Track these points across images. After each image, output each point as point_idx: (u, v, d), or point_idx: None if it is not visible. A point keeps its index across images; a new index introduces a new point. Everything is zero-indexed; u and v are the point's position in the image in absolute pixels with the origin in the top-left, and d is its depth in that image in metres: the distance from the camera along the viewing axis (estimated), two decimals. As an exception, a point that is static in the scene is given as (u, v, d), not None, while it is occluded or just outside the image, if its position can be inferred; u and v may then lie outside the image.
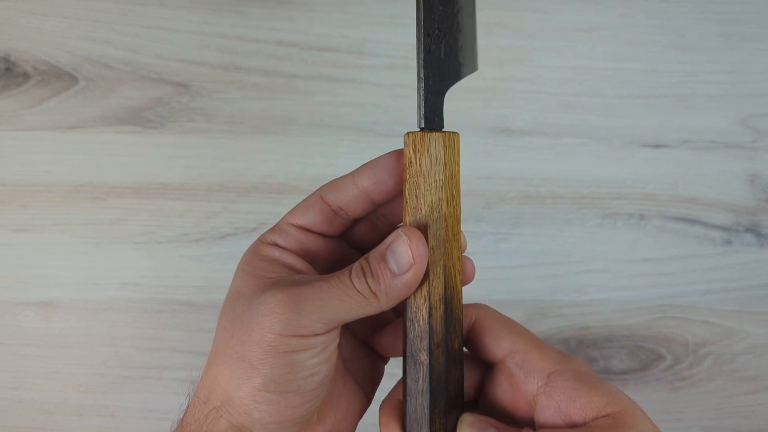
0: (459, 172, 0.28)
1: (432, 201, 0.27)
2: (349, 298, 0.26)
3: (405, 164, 0.28)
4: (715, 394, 0.50)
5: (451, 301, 0.27)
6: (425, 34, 0.28)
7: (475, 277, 0.50)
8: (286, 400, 0.27)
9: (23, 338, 0.48)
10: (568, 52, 0.52)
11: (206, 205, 0.50)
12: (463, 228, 0.45)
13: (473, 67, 0.29)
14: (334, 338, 0.27)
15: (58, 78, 0.50)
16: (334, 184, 0.30)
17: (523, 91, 0.52)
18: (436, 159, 0.27)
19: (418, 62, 0.28)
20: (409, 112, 0.51)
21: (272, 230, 0.30)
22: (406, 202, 0.28)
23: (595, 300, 0.50)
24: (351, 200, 0.30)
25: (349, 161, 0.50)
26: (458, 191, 0.28)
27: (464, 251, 0.30)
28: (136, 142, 0.50)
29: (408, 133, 0.28)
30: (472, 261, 0.31)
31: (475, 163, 0.51)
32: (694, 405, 0.49)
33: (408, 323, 0.28)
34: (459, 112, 0.51)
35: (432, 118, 0.28)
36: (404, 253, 0.26)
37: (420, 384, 0.27)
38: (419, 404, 0.27)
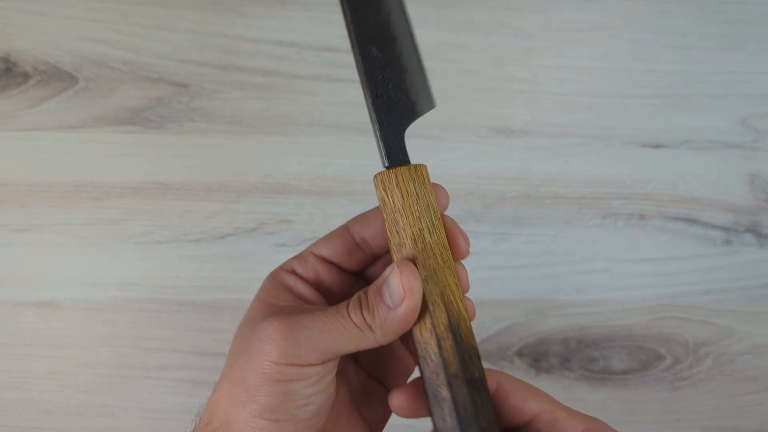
0: (435, 201, 0.28)
1: (413, 233, 0.27)
2: (345, 330, 0.26)
3: (380, 205, 0.28)
4: (715, 394, 0.50)
5: (457, 328, 0.27)
6: (368, 80, 0.28)
7: (476, 277, 0.50)
8: (281, 428, 0.27)
9: (23, 338, 0.48)
10: (568, 52, 0.52)
11: (206, 205, 0.50)
12: (463, 228, 0.45)
13: (430, 104, 0.29)
14: (330, 369, 0.27)
15: (58, 78, 0.50)
16: (362, 215, 0.30)
17: (523, 91, 0.52)
18: (407, 192, 0.27)
19: (367, 106, 0.28)
20: (409, 112, 0.51)
21: (295, 257, 0.31)
22: (390, 240, 0.28)
23: (595, 300, 0.50)
24: (375, 232, 0.30)
25: (349, 161, 0.50)
26: (438, 219, 0.28)
27: (465, 256, 0.30)
28: (136, 142, 0.50)
29: (376, 175, 0.28)
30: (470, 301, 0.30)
31: (475, 163, 0.51)
32: (694, 405, 0.49)
33: (421, 362, 0.27)
34: (459, 112, 0.51)
35: (395, 156, 0.28)
36: (396, 286, 0.26)
37: (448, 422, 0.26)
38: None
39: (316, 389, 0.27)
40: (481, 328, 0.49)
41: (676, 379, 0.50)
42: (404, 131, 0.28)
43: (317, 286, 0.30)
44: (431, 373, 0.27)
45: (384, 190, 0.27)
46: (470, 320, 0.28)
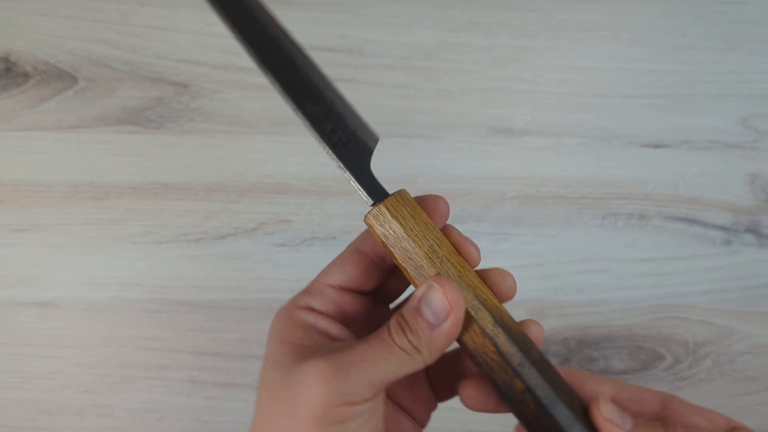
0: (427, 216, 0.28)
1: (425, 253, 0.27)
2: (393, 357, 0.26)
3: (382, 243, 0.28)
4: (715, 394, 0.50)
5: (502, 321, 0.27)
6: (320, 134, 0.29)
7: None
8: None
9: (23, 338, 0.48)
10: (568, 52, 0.52)
11: (206, 205, 0.50)
12: (463, 228, 0.45)
13: (375, 138, 0.30)
14: (381, 402, 0.27)
15: (58, 78, 0.50)
16: (367, 232, 0.29)
17: (523, 91, 0.52)
18: (404, 218, 0.27)
19: (331, 158, 0.29)
20: (409, 112, 0.51)
21: (306, 292, 0.29)
22: (406, 270, 0.28)
23: (595, 300, 0.50)
24: None
25: (349, 161, 0.50)
26: (438, 231, 0.28)
27: (478, 264, 0.29)
28: (136, 142, 0.50)
29: (366, 215, 0.28)
30: (510, 275, 0.30)
31: (475, 163, 0.51)
32: (694, 405, 0.49)
33: (484, 368, 0.27)
34: (459, 112, 0.51)
35: (375, 191, 0.28)
36: (440, 302, 0.26)
37: (533, 408, 0.26)
38: (549, 427, 0.26)
39: (371, 426, 0.26)
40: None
41: (676, 379, 0.50)
42: (369, 168, 0.29)
43: (340, 317, 0.29)
44: (499, 371, 0.27)
45: (381, 225, 0.27)
46: (512, 295, 0.29)
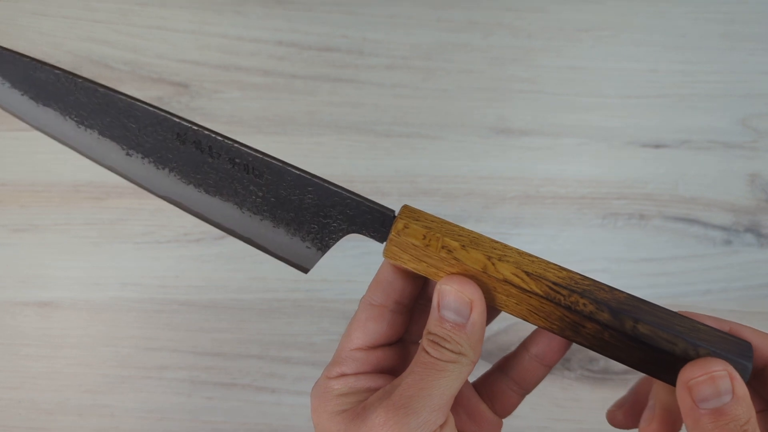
0: (435, 216, 0.27)
1: (466, 230, 0.27)
2: (443, 372, 0.25)
3: (423, 239, 0.27)
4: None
5: (572, 282, 0.26)
6: (310, 226, 0.28)
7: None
8: None
9: (23, 338, 0.48)
10: (568, 52, 0.52)
11: (206, 205, 0.50)
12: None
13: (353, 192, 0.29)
14: (453, 425, 0.26)
15: (58, 78, 0.50)
16: (375, 283, 0.29)
17: (523, 91, 0.52)
18: (419, 234, 0.26)
19: (342, 233, 0.28)
20: (409, 112, 0.51)
21: (335, 363, 0.28)
22: (462, 247, 0.27)
23: (595, 300, 0.50)
24: (402, 287, 0.28)
25: (349, 161, 0.50)
26: (450, 224, 0.27)
27: None
28: (136, 142, 0.50)
29: (384, 252, 0.27)
30: None
31: (475, 163, 0.51)
32: (694, 405, 0.49)
33: (571, 330, 0.26)
34: (459, 112, 0.51)
35: (379, 226, 0.27)
36: (458, 298, 0.25)
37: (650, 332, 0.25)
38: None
39: None
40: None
41: (676, 379, 0.50)
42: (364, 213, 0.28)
43: (377, 372, 0.28)
44: (610, 339, 0.26)
45: (416, 219, 0.27)
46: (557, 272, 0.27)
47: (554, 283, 0.26)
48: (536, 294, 0.26)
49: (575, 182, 0.51)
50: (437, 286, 0.26)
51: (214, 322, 0.49)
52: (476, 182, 0.51)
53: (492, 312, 0.30)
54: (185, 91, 0.50)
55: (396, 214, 0.27)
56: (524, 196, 0.51)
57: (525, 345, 0.31)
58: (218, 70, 0.51)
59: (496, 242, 0.27)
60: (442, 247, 0.26)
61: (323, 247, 0.29)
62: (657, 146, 0.52)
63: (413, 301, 0.29)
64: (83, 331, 0.48)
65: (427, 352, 0.26)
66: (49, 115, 0.28)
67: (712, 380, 0.23)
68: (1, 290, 0.49)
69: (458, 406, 0.30)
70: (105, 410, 0.48)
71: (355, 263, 0.49)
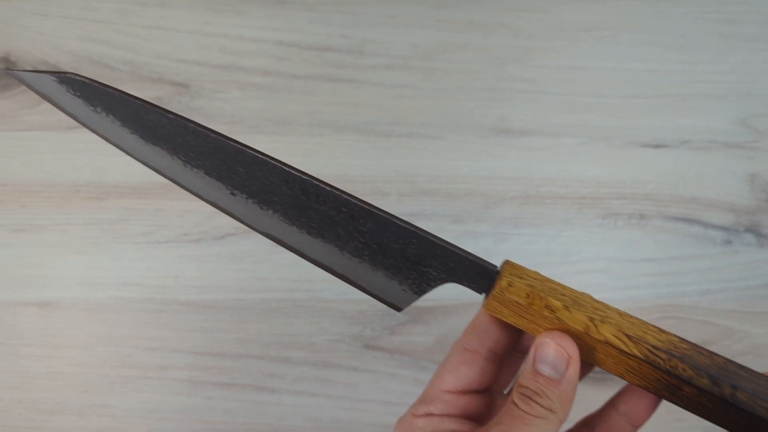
0: (536, 273, 0.27)
1: (566, 303, 0.26)
2: (532, 427, 0.25)
3: (526, 297, 0.27)
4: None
5: (673, 345, 0.26)
6: (410, 266, 0.28)
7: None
8: None
9: (23, 338, 0.48)
10: (568, 52, 0.52)
11: (206, 205, 0.49)
12: (463, 228, 0.45)
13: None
14: None
15: (58, 78, 0.50)
16: (471, 327, 0.29)
17: (523, 91, 0.52)
18: (522, 293, 0.26)
19: (442, 280, 0.28)
20: (409, 112, 0.51)
21: (423, 401, 0.28)
22: (565, 307, 0.27)
23: (595, 300, 0.50)
24: (498, 336, 0.28)
25: (349, 161, 0.50)
26: (552, 281, 0.27)
27: None
28: (136, 142, 0.50)
29: (484, 306, 0.27)
30: None
31: (475, 163, 0.51)
32: (694, 405, 0.49)
33: (668, 392, 0.26)
34: (459, 112, 0.51)
35: (479, 279, 0.27)
36: (556, 353, 0.25)
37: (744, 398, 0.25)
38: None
39: None
40: (481, 328, 0.49)
41: (676, 379, 0.50)
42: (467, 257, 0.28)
43: (464, 417, 0.28)
44: (698, 378, 0.26)
45: (520, 276, 0.27)
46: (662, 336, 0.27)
47: (654, 347, 0.26)
48: (636, 356, 0.26)
49: (575, 182, 0.51)
50: (537, 340, 0.26)
51: (214, 322, 0.49)
52: (476, 182, 0.51)
53: (586, 368, 0.29)
54: (185, 91, 0.50)
55: (498, 269, 0.27)
56: (524, 196, 0.51)
57: (613, 403, 0.30)
58: (218, 70, 0.51)
59: (597, 302, 0.27)
60: (545, 307, 0.26)
61: (419, 292, 0.28)
62: (657, 146, 0.52)
63: (507, 351, 0.29)
64: (83, 331, 0.48)
65: (516, 405, 0.25)
66: (156, 154, 0.29)
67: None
68: (1, 290, 0.49)
69: None
70: (105, 410, 0.48)
71: (355, 263, 0.49)
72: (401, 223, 0.28)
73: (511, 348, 0.29)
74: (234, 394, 0.48)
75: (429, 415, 0.28)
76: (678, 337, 0.26)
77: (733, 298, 0.50)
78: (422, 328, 0.49)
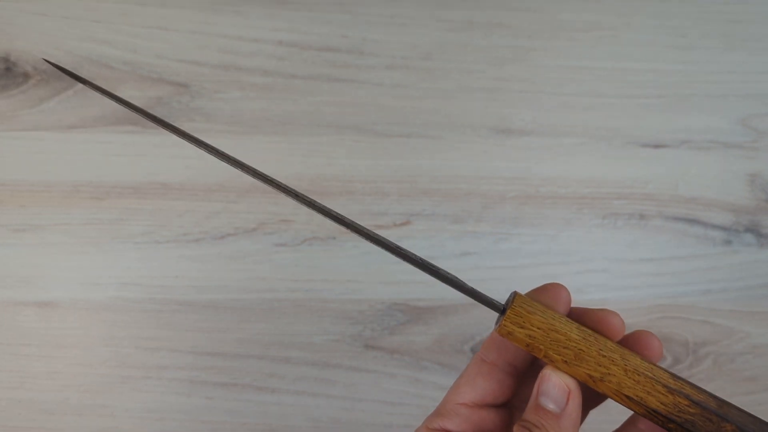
0: (543, 318, 0.27)
1: (577, 335, 0.26)
2: None
3: (526, 347, 0.26)
4: (715, 394, 0.50)
5: (676, 374, 0.26)
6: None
7: (476, 276, 0.50)
8: None
9: (23, 338, 0.48)
10: (568, 52, 0.52)
11: (206, 205, 0.50)
12: (463, 228, 0.45)
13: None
14: None
15: (58, 78, 0.50)
16: (491, 341, 0.28)
17: (523, 91, 0.52)
18: (522, 343, 0.26)
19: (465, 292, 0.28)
20: (409, 112, 0.51)
21: (438, 413, 0.28)
22: (555, 360, 0.26)
23: (595, 300, 0.50)
24: (518, 351, 0.28)
25: (349, 161, 0.50)
26: (557, 329, 0.27)
27: (620, 335, 0.28)
28: (136, 142, 0.50)
29: (500, 327, 0.27)
30: (617, 314, 0.29)
31: (475, 163, 0.51)
32: (694, 405, 0.49)
33: (687, 427, 0.26)
34: (459, 112, 0.51)
35: (497, 304, 0.27)
36: (557, 386, 0.25)
37: None
38: None
39: None
40: (481, 328, 0.49)
41: (676, 379, 0.50)
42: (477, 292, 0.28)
43: None
44: (703, 422, 0.26)
45: (521, 326, 0.26)
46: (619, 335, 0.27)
47: (654, 410, 0.26)
48: (636, 412, 0.26)
49: (575, 182, 0.51)
50: (541, 372, 0.26)
51: (214, 322, 0.49)
52: (476, 182, 0.51)
53: (596, 400, 0.29)
54: (185, 91, 0.50)
55: (503, 306, 0.27)
56: (524, 196, 0.51)
57: (633, 421, 0.30)
58: (218, 70, 0.51)
59: (604, 354, 0.26)
60: (545, 357, 0.26)
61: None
62: (657, 146, 0.52)
63: (526, 366, 0.29)
64: (83, 331, 0.48)
65: None
66: None
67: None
68: (1, 290, 0.49)
69: None
70: (105, 410, 0.48)
71: (355, 263, 0.49)
72: (409, 255, 0.28)
73: (531, 362, 0.29)
74: (234, 394, 0.48)
75: (444, 430, 0.28)
76: (689, 398, 0.26)
77: (733, 298, 0.50)
78: (422, 328, 0.49)
